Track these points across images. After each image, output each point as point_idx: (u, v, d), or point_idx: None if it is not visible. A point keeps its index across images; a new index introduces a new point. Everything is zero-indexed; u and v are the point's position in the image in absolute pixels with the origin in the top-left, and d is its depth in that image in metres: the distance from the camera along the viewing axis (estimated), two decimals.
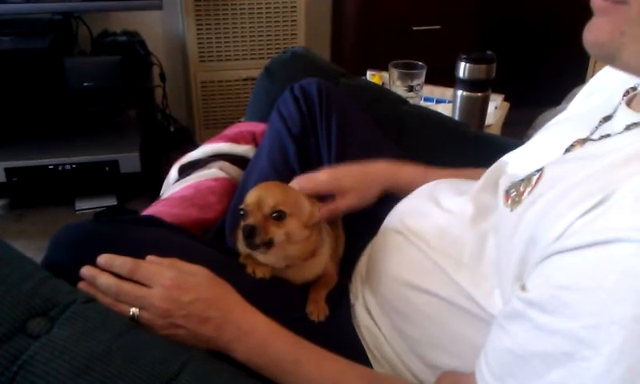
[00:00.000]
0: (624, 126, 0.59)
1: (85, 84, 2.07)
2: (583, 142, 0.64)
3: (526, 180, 0.65)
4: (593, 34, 0.57)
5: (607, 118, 0.65)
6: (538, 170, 0.63)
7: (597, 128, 0.66)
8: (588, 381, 0.45)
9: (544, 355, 0.49)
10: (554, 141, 0.70)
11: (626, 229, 0.46)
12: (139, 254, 0.72)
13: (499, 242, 0.66)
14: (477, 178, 0.83)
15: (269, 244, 0.78)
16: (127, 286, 0.69)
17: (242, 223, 0.78)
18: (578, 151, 0.63)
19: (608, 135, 0.61)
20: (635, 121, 0.58)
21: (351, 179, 0.94)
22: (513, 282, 0.59)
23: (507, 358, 0.53)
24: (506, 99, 1.95)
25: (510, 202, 0.65)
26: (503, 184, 0.72)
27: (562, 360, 0.47)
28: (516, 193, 0.65)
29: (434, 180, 0.90)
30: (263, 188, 0.82)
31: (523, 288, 0.53)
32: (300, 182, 0.90)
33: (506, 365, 0.53)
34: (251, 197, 0.80)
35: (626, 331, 0.44)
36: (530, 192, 0.62)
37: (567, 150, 0.66)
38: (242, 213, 0.79)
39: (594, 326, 0.45)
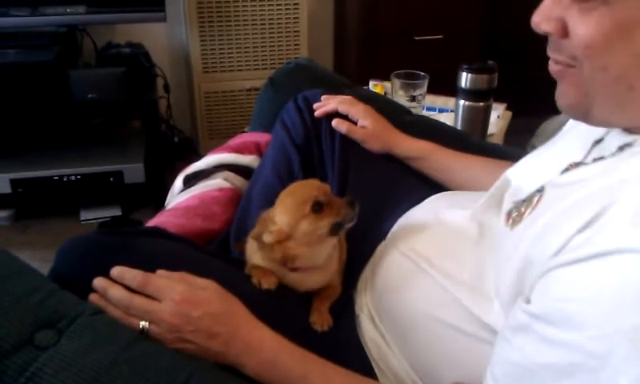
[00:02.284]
0: (616, 147, 0.59)
1: (89, 96, 2.08)
2: (577, 165, 0.65)
3: (527, 201, 0.65)
4: (563, 100, 0.60)
5: (599, 141, 0.65)
6: (538, 191, 0.64)
7: (589, 152, 0.65)
8: None
9: (551, 367, 0.49)
10: (553, 160, 0.70)
11: (624, 240, 0.46)
12: (145, 266, 0.72)
13: (498, 261, 0.67)
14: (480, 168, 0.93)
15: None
16: (138, 300, 0.69)
17: (334, 210, 0.79)
18: (573, 174, 0.63)
19: (601, 157, 0.61)
20: (627, 141, 0.58)
21: (377, 122, 1.08)
22: (513, 298, 0.59)
23: (514, 371, 0.53)
24: (508, 108, 1.95)
25: (510, 221, 0.66)
26: (506, 204, 0.72)
27: (570, 371, 0.47)
28: (517, 213, 0.65)
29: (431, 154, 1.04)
30: (314, 182, 0.84)
31: (528, 301, 0.54)
32: (344, 99, 1.07)
33: (514, 377, 0.53)
34: (319, 189, 0.81)
35: (630, 341, 0.44)
36: (530, 213, 0.63)
37: (562, 173, 0.66)
38: (319, 205, 0.79)
39: (599, 337, 0.45)
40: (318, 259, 0.83)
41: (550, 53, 0.60)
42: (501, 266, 0.65)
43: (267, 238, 0.80)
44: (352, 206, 0.80)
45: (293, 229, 0.79)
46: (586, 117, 0.59)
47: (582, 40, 0.54)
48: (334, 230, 0.80)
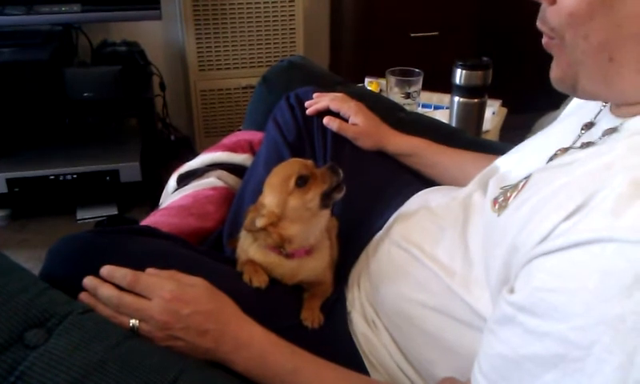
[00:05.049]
0: (602, 132, 0.60)
1: (85, 94, 2.08)
2: (565, 150, 0.65)
3: (513, 187, 0.66)
4: (553, 72, 0.62)
5: (589, 125, 0.66)
6: (525, 178, 0.64)
7: (579, 136, 0.66)
8: (581, 381, 0.46)
9: (536, 358, 0.49)
10: (541, 148, 0.71)
11: (607, 229, 0.47)
12: (135, 265, 0.72)
13: (486, 248, 0.67)
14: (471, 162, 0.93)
15: None
16: (127, 298, 0.70)
17: (321, 182, 0.81)
18: (561, 159, 0.64)
19: (589, 143, 0.62)
20: (613, 126, 0.59)
21: (368, 119, 1.08)
22: (500, 286, 0.59)
23: (500, 363, 0.53)
24: (504, 104, 1.95)
25: (497, 207, 0.66)
26: (492, 190, 0.73)
27: (555, 362, 0.47)
28: (503, 198, 0.66)
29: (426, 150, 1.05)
30: (295, 159, 0.87)
31: (512, 291, 0.54)
32: (336, 97, 1.08)
33: (500, 369, 0.53)
34: (300, 164, 0.83)
35: (613, 330, 0.44)
36: (515, 197, 0.63)
37: (550, 159, 0.67)
38: (303, 179, 0.80)
39: (582, 327, 0.46)
40: (312, 236, 0.84)
41: (537, 23, 0.61)
42: (489, 254, 0.65)
43: (260, 222, 0.81)
44: (334, 170, 0.81)
45: (282, 208, 0.81)
46: (574, 89, 0.61)
47: (567, 7, 0.56)
48: (324, 200, 0.81)
